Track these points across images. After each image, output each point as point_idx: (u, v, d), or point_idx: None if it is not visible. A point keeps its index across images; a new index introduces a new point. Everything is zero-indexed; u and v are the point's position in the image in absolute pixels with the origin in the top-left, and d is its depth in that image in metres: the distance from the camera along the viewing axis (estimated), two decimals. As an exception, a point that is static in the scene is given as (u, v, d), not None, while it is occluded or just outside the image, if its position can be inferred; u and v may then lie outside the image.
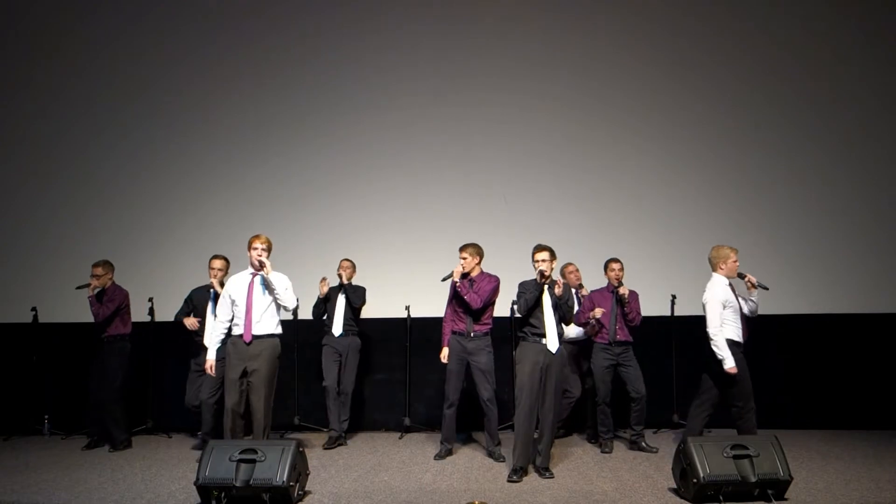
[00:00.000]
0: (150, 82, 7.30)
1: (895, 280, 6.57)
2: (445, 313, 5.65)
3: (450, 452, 5.66)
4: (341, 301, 6.19)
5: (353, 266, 6.33)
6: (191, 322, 5.86)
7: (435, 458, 5.53)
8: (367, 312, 6.65)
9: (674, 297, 6.41)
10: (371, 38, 7.14)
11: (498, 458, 5.50)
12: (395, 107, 7.10)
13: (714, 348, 4.99)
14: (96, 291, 6.04)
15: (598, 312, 5.69)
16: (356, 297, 6.17)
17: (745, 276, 5.14)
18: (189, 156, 7.24)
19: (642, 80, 6.95)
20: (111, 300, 6.10)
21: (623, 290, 5.74)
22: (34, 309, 6.66)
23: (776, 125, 6.85)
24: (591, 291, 5.97)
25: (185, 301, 5.98)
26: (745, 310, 5.12)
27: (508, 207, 6.97)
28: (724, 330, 4.99)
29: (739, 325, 5.04)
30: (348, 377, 6.15)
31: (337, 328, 6.16)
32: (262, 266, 5.05)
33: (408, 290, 6.70)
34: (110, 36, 7.33)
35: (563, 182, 6.95)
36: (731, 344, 4.98)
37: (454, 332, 5.53)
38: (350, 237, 6.95)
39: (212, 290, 5.78)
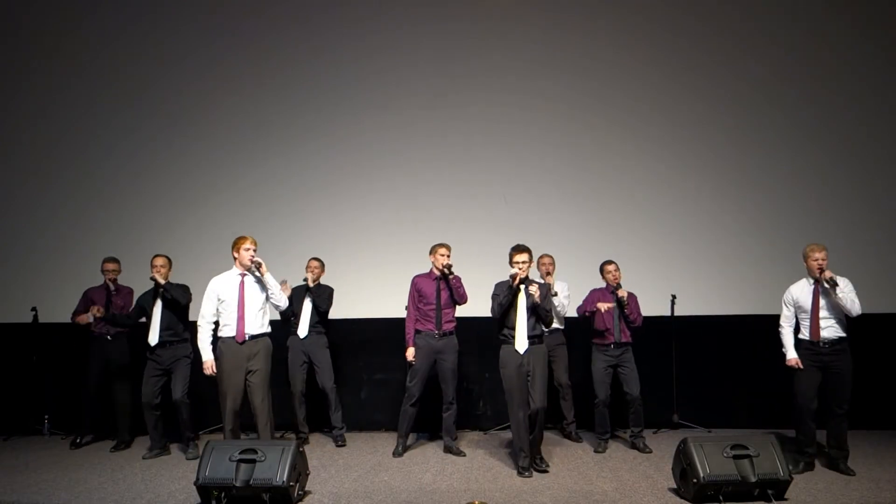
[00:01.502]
0: (150, 82, 7.29)
1: (895, 280, 6.57)
2: (408, 312, 5.71)
3: (406, 448, 5.73)
4: (308, 303, 6.15)
5: (322, 266, 6.27)
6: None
7: (393, 455, 5.62)
8: (367, 312, 6.66)
9: (674, 297, 6.42)
10: (371, 38, 7.13)
11: (457, 452, 5.63)
12: (395, 107, 7.10)
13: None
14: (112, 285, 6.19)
15: (603, 307, 5.71)
16: (321, 300, 6.12)
17: (821, 275, 4.96)
18: (189, 156, 7.24)
19: (642, 80, 6.95)
20: (129, 294, 6.24)
21: (622, 293, 5.74)
22: (34, 309, 6.65)
23: (776, 125, 6.84)
24: (593, 290, 5.98)
25: (136, 308, 5.99)
26: (845, 309, 4.97)
27: (508, 207, 6.97)
28: (797, 329, 5.07)
29: (808, 325, 5.01)
30: (325, 375, 6.12)
31: (302, 330, 6.14)
32: (259, 266, 5.07)
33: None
34: (110, 36, 7.33)
35: (563, 182, 6.95)
36: (800, 342, 5.05)
37: (419, 332, 5.63)
38: (350, 237, 6.95)
39: (153, 288, 5.80)
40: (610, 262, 5.91)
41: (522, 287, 5.00)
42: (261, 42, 7.22)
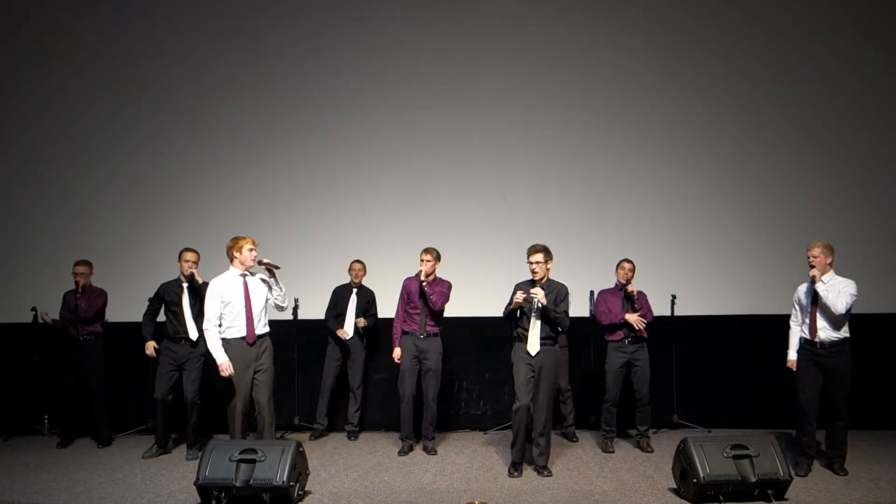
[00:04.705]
0: (150, 82, 7.29)
1: (895, 280, 6.57)
2: (397, 313, 5.86)
3: (411, 448, 5.79)
4: (352, 303, 6.36)
5: (364, 268, 6.49)
6: (150, 350, 5.86)
7: (399, 455, 5.68)
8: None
9: (674, 297, 6.40)
10: (371, 38, 7.13)
11: (430, 451, 5.74)
12: (395, 107, 7.09)
13: None
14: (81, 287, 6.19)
15: (633, 318, 5.69)
16: (371, 319, 6.40)
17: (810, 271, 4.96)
18: (189, 155, 7.23)
19: (643, 79, 6.94)
20: (98, 297, 6.26)
21: (632, 288, 5.74)
22: (34, 309, 6.65)
23: (776, 125, 6.84)
24: (600, 291, 5.98)
25: (155, 298, 5.93)
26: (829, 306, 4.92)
27: (508, 207, 6.97)
28: (802, 327, 5.08)
29: (808, 324, 5.01)
30: (359, 372, 6.39)
31: (350, 328, 6.34)
32: (271, 266, 5.07)
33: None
34: (110, 36, 7.32)
35: (563, 182, 6.95)
36: (802, 341, 5.07)
37: (406, 332, 5.77)
38: (350, 237, 6.95)
39: (184, 284, 5.81)
40: (627, 261, 5.90)
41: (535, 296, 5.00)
42: (261, 42, 7.22)
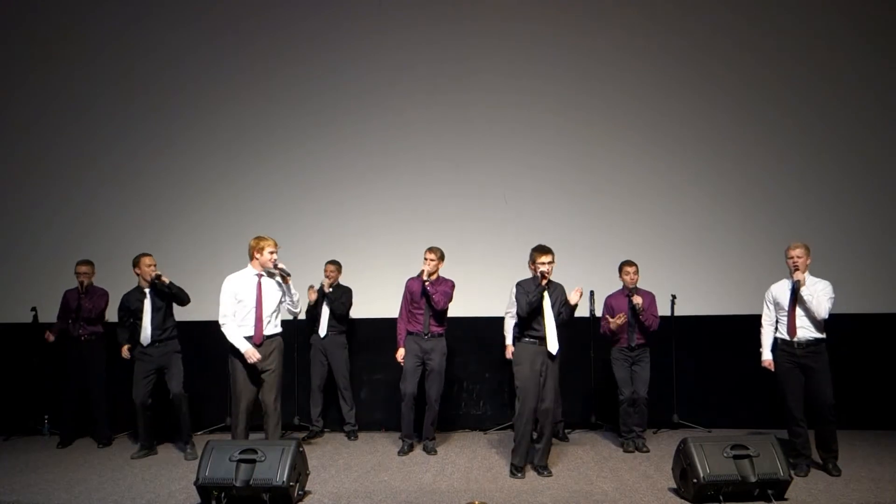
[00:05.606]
0: (151, 82, 7.29)
1: (895, 280, 6.57)
2: (400, 313, 5.84)
3: (412, 448, 5.79)
4: (325, 304, 6.35)
5: (339, 268, 6.45)
6: (125, 353, 5.92)
7: (399, 455, 5.67)
8: (368, 312, 6.66)
9: (674, 297, 6.41)
10: (373, 38, 7.13)
11: (430, 451, 5.74)
12: (395, 107, 7.09)
13: None
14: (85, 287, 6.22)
15: (620, 319, 5.70)
16: (338, 304, 6.31)
17: (794, 273, 4.99)
18: (190, 155, 7.23)
19: (643, 80, 6.94)
20: (101, 297, 6.28)
21: (636, 300, 5.73)
22: (34, 309, 6.65)
23: (777, 125, 6.84)
24: (608, 296, 5.98)
25: (122, 311, 5.93)
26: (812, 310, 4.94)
27: (509, 207, 6.97)
28: (778, 327, 5.07)
29: (785, 323, 5.01)
30: (339, 374, 6.36)
31: (322, 329, 6.37)
32: (288, 276, 5.10)
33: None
34: (111, 35, 7.32)
35: (563, 182, 6.95)
36: (777, 341, 5.05)
37: (410, 333, 5.75)
38: (350, 238, 6.95)
39: (147, 290, 5.81)
40: (630, 264, 5.88)
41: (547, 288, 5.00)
42: (262, 43, 7.21)
